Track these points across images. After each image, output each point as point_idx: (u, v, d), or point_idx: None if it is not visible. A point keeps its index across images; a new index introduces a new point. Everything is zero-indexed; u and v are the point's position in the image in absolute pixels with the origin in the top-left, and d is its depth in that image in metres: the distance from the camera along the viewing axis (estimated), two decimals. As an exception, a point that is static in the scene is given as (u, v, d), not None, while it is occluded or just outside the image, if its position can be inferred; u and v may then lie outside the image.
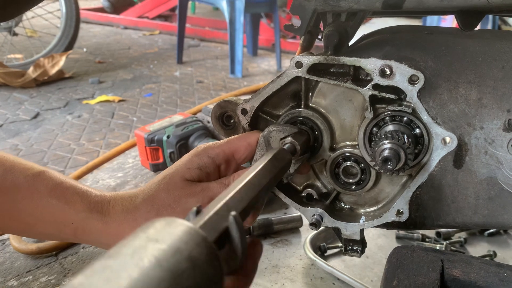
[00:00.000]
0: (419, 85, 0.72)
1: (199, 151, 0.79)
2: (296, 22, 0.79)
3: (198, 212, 0.47)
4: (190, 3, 5.87)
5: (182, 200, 0.74)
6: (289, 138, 0.75)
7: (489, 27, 4.29)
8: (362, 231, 0.82)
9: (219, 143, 0.79)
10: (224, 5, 4.08)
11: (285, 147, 0.74)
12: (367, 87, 0.74)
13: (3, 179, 0.80)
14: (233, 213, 0.47)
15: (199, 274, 0.35)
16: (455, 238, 1.48)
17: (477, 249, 1.44)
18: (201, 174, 0.77)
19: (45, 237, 1.02)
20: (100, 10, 6.97)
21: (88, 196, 0.81)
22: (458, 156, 0.75)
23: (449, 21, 4.35)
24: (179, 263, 0.34)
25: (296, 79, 0.79)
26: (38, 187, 0.80)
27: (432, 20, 4.49)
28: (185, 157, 0.79)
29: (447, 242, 1.45)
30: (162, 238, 0.35)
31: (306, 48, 0.90)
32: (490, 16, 4.21)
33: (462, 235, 1.50)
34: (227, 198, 0.51)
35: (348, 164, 0.82)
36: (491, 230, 1.51)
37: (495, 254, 1.39)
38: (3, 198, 0.80)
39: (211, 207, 0.48)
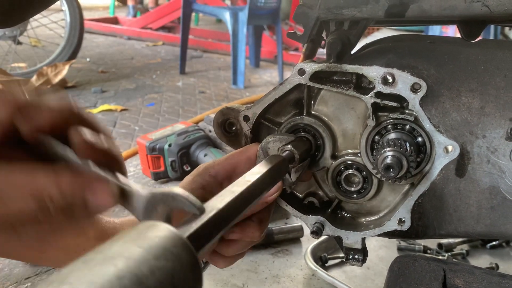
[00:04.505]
0: (421, 93, 0.72)
1: (200, 171, 0.79)
2: (298, 33, 0.80)
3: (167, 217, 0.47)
4: (193, 14, 5.92)
5: None
6: (288, 146, 0.75)
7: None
8: (363, 239, 0.82)
9: (219, 161, 0.79)
10: (227, 17, 4.11)
11: (283, 155, 0.74)
12: (369, 95, 0.74)
13: None
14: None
15: (177, 277, 0.34)
16: (457, 250, 1.48)
17: (479, 261, 1.43)
18: (205, 193, 0.77)
19: (55, 265, 1.02)
20: (104, 20, 7.02)
21: (99, 222, 0.81)
22: (460, 164, 0.75)
23: (451, 34, 4.37)
24: (155, 267, 0.33)
25: (299, 86, 0.79)
26: None
27: (433, 33, 4.52)
28: (188, 177, 0.79)
29: (449, 254, 1.44)
30: (140, 242, 0.35)
31: (309, 56, 0.90)
32: (492, 30, 4.23)
33: (464, 247, 1.49)
34: (211, 201, 0.51)
35: (350, 172, 0.82)
36: (493, 243, 1.50)
37: (497, 266, 1.38)
38: None
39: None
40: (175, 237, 0.37)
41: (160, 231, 0.37)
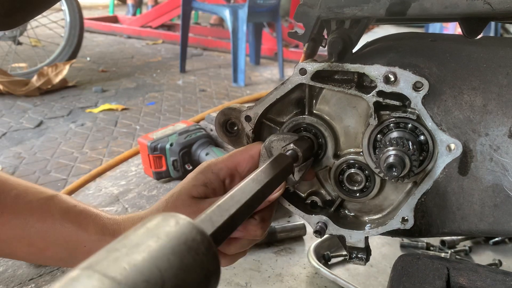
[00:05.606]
0: (423, 91, 0.72)
1: (202, 168, 0.79)
2: (299, 31, 0.79)
3: None
4: (193, 12, 5.91)
5: (191, 218, 0.75)
6: (291, 145, 0.75)
7: (491, 35, 4.30)
8: (366, 238, 0.82)
9: (222, 158, 0.80)
10: (227, 15, 4.10)
11: (287, 154, 0.74)
12: (371, 94, 0.74)
13: (16, 203, 0.80)
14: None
15: (195, 269, 0.35)
16: (460, 246, 1.47)
17: (482, 258, 1.43)
18: (207, 190, 0.77)
19: (55, 262, 1.02)
20: (104, 19, 7.01)
21: (100, 219, 0.82)
22: (463, 163, 0.75)
23: (451, 30, 4.36)
24: (174, 257, 0.34)
25: (300, 86, 0.79)
26: (51, 210, 0.81)
27: (434, 29, 4.51)
28: (190, 175, 0.80)
29: (452, 250, 1.44)
30: (159, 232, 0.36)
31: (310, 55, 0.90)
32: (493, 25, 4.22)
33: (467, 243, 1.49)
34: (224, 199, 0.52)
35: (352, 171, 0.82)
36: (496, 239, 1.50)
37: (500, 263, 1.38)
38: (15, 222, 0.79)
39: (209, 208, 0.49)
40: (200, 233, 0.38)
41: (181, 223, 0.38)
